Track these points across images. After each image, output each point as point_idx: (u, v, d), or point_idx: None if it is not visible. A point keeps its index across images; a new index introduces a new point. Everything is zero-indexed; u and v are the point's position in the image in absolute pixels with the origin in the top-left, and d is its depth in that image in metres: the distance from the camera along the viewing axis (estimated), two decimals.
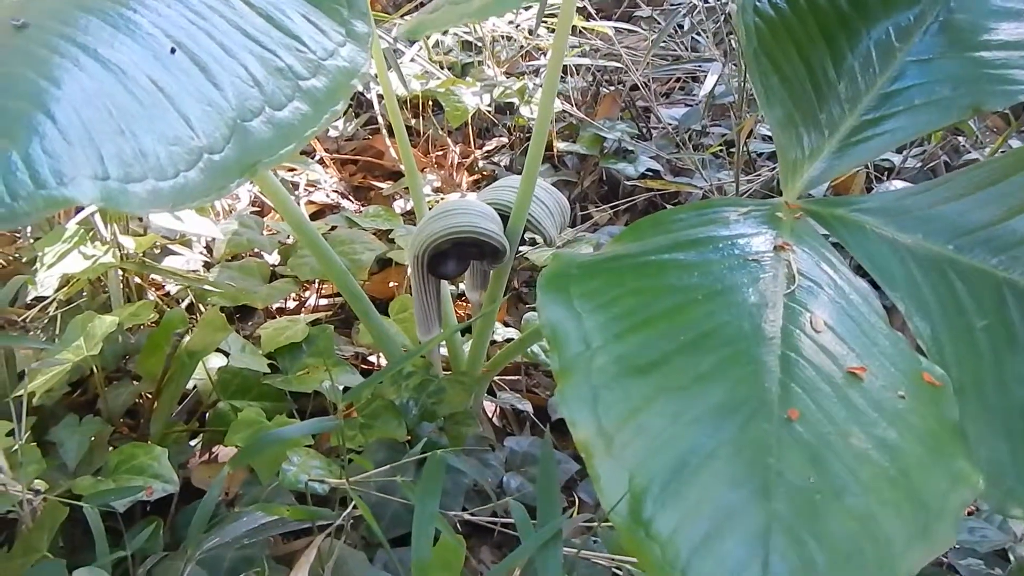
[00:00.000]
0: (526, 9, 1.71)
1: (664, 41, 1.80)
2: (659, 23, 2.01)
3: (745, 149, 1.37)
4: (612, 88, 1.74)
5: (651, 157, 1.61)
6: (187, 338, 0.98)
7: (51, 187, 0.38)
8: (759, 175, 1.51)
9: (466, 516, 0.77)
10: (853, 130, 0.68)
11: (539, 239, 1.02)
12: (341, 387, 1.01)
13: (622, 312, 0.59)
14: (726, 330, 0.55)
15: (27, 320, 1.03)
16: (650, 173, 1.60)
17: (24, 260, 1.17)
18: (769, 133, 1.63)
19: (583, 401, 0.53)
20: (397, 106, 1.11)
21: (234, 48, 0.55)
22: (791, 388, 0.51)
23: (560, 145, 1.60)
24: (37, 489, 0.83)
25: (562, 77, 1.73)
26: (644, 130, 1.72)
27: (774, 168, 1.54)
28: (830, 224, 0.65)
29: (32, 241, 1.16)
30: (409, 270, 0.95)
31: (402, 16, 1.61)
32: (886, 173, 1.38)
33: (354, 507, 0.78)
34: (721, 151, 1.63)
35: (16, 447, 0.81)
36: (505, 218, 0.97)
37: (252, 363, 0.96)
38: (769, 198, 0.92)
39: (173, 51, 0.51)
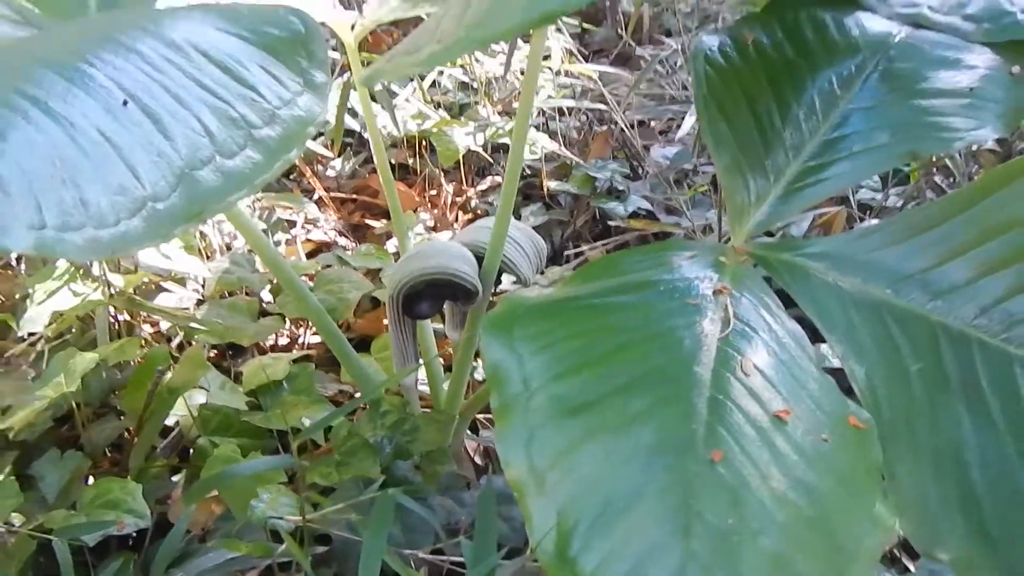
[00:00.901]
0: (517, 49, 1.74)
1: (656, 80, 1.83)
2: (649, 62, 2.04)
3: None
4: (604, 128, 1.77)
5: (643, 196, 1.63)
6: (169, 375, 1.00)
7: None
8: None
9: (420, 554, 0.78)
10: (797, 176, 0.70)
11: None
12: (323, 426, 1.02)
13: (563, 353, 0.60)
14: (661, 373, 0.57)
15: (15, 355, 1.06)
16: (642, 212, 1.62)
17: (19, 296, 1.20)
18: None
19: (518, 441, 0.54)
20: (383, 147, 1.14)
21: (188, 99, 0.57)
22: (717, 430, 0.52)
23: (552, 184, 1.62)
24: (11, 523, 0.85)
25: (555, 117, 1.76)
26: (638, 170, 1.75)
27: None
28: (775, 268, 0.66)
29: (27, 277, 1.20)
30: (387, 309, 0.97)
31: None
32: (868, 212, 1.39)
33: (319, 544, 0.79)
34: (708, 191, 1.64)
35: None
36: (481, 259, 0.99)
37: (231, 400, 0.98)
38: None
39: (125, 103, 0.54)
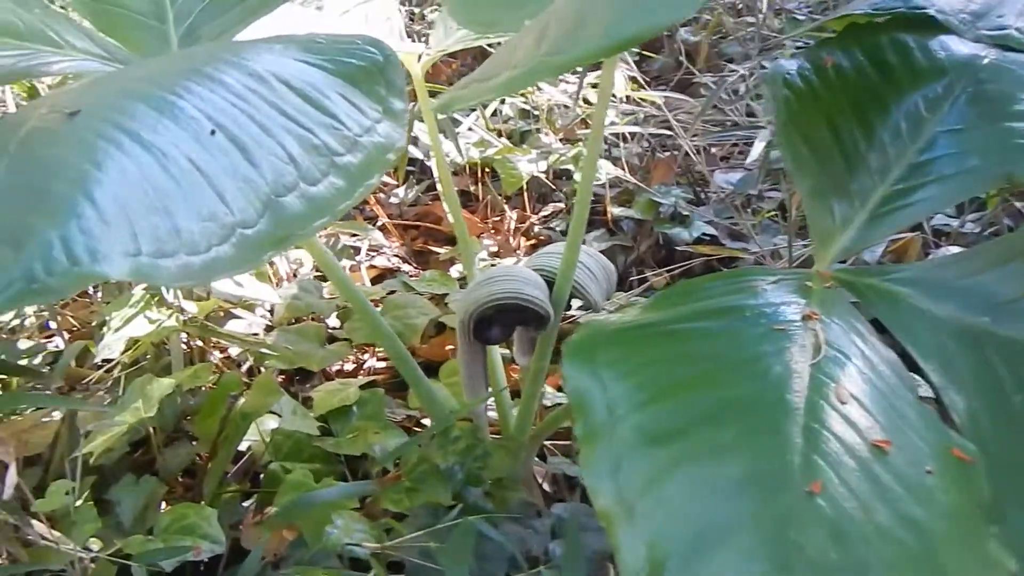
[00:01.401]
0: (580, 77, 1.74)
1: (720, 107, 1.81)
2: (714, 88, 2.03)
3: (799, 214, 1.36)
4: (667, 154, 1.75)
5: (707, 222, 1.61)
6: (241, 400, 1.01)
7: (84, 264, 0.41)
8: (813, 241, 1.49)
9: None
10: (884, 200, 0.68)
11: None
12: (402, 453, 1.02)
13: (647, 380, 0.59)
14: (750, 400, 0.55)
15: (92, 382, 1.08)
16: (706, 238, 1.60)
17: (95, 324, 1.23)
18: None
19: (605, 469, 0.53)
20: (448, 174, 1.14)
21: (272, 128, 0.58)
22: (814, 460, 0.50)
23: (615, 210, 1.61)
24: (89, 548, 0.86)
25: (617, 143, 1.75)
26: (701, 195, 1.73)
27: None
28: (863, 294, 0.64)
29: (104, 305, 1.22)
30: (457, 335, 0.96)
31: None
32: (944, 238, 1.35)
33: (392, 572, 0.78)
34: (776, 216, 1.61)
35: (72, 506, 0.84)
36: (551, 284, 0.98)
37: (302, 425, 0.99)
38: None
39: (213, 133, 0.54)
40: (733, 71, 1.77)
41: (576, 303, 1.37)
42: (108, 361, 1.12)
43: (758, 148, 1.45)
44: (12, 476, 0.57)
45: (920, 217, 0.71)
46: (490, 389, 1.06)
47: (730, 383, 0.58)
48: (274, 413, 1.04)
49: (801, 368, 0.57)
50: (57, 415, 1.05)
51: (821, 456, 0.50)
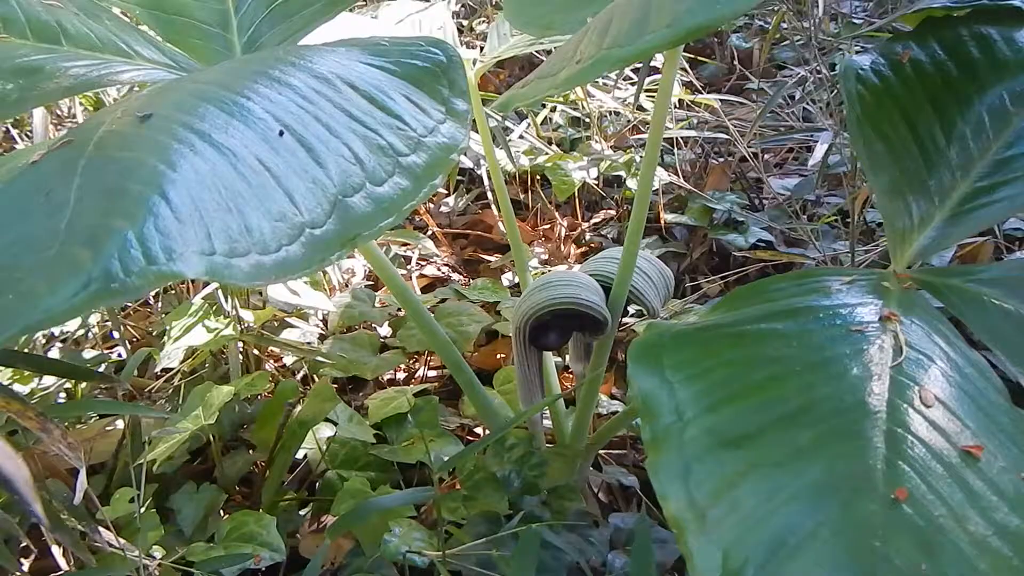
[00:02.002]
0: (632, 84, 1.73)
1: (775, 112, 1.78)
2: (769, 95, 2.00)
3: (861, 219, 1.33)
4: (721, 159, 1.73)
5: (763, 228, 1.58)
6: (298, 408, 1.01)
7: (161, 263, 0.40)
8: (877, 245, 1.45)
9: None
10: (965, 197, 0.65)
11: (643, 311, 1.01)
12: (445, 457, 1.02)
13: (716, 383, 0.57)
14: (826, 403, 0.53)
15: (153, 390, 1.09)
16: (762, 244, 1.57)
17: (155, 333, 1.25)
18: None
19: (674, 474, 0.52)
20: (503, 181, 1.14)
21: (338, 128, 0.58)
22: (898, 466, 0.48)
23: (668, 216, 1.59)
24: (153, 555, 0.87)
25: (670, 149, 1.73)
26: (756, 201, 1.70)
27: None
28: (944, 295, 0.62)
29: (163, 315, 1.24)
30: (512, 341, 0.96)
31: None
32: (1017, 243, 1.31)
33: None
34: (836, 221, 1.58)
35: (137, 513, 0.85)
36: (608, 289, 0.97)
37: (359, 433, 0.99)
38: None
39: (281, 133, 0.54)
40: (788, 76, 1.74)
41: (631, 309, 1.35)
42: (168, 370, 1.14)
43: (820, 151, 1.42)
44: (83, 481, 0.57)
45: (1003, 216, 0.69)
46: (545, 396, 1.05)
47: (805, 385, 0.56)
48: (330, 421, 1.04)
49: (881, 370, 0.55)
50: (120, 424, 1.06)
51: (906, 461, 0.48)
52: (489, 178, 1.77)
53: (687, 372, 0.59)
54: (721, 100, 1.78)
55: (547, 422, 1.18)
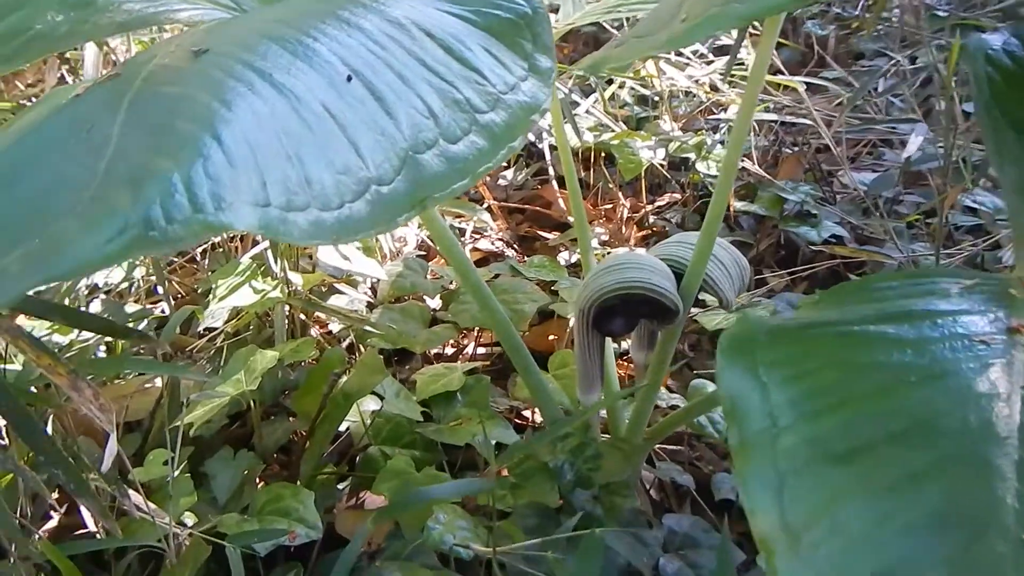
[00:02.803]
0: (707, 63, 1.64)
1: (858, 103, 1.69)
2: (848, 83, 1.90)
3: (945, 221, 1.24)
4: (796, 148, 1.64)
5: (835, 222, 1.49)
6: (344, 379, 0.96)
7: (208, 212, 0.35)
8: (960, 250, 1.36)
9: None
10: None
11: (712, 301, 0.94)
12: (493, 442, 0.96)
13: (817, 387, 0.51)
14: (946, 422, 0.46)
15: (195, 350, 1.05)
16: (834, 239, 1.49)
17: (200, 291, 1.21)
18: (974, 205, 1.49)
19: (766, 487, 0.45)
20: (570, 156, 1.07)
21: (411, 78, 0.52)
22: None
23: (737, 204, 1.52)
24: (184, 523, 0.83)
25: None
26: (829, 194, 1.61)
27: (976, 243, 1.39)
28: None
29: (209, 273, 1.20)
30: (573, 324, 0.89)
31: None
32: None
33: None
34: (916, 221, 1.49)
35: (170, 477, 0.81)
36: (679, 276, 0.90)
37: (406, 409, 0.93)
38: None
39: (349, 79, 0.49)
40: (868, 66, 1.64)
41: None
42: (211, 330, 1.10)
43: (913, 144, 1.33)
44: (112, 447, 0.53)
45: None
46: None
47: (922, 400, 0.49)
48: (376, 394, 1.00)
49: (1009, 390, 0.48)
50: (159, 382, 1.03)
51: None
52: (552, 151, 1.71)
53: (784, 373, 0.52)
54: (814, 81, 1.69)
55: (603, 411, 1.12)
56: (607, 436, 1.01)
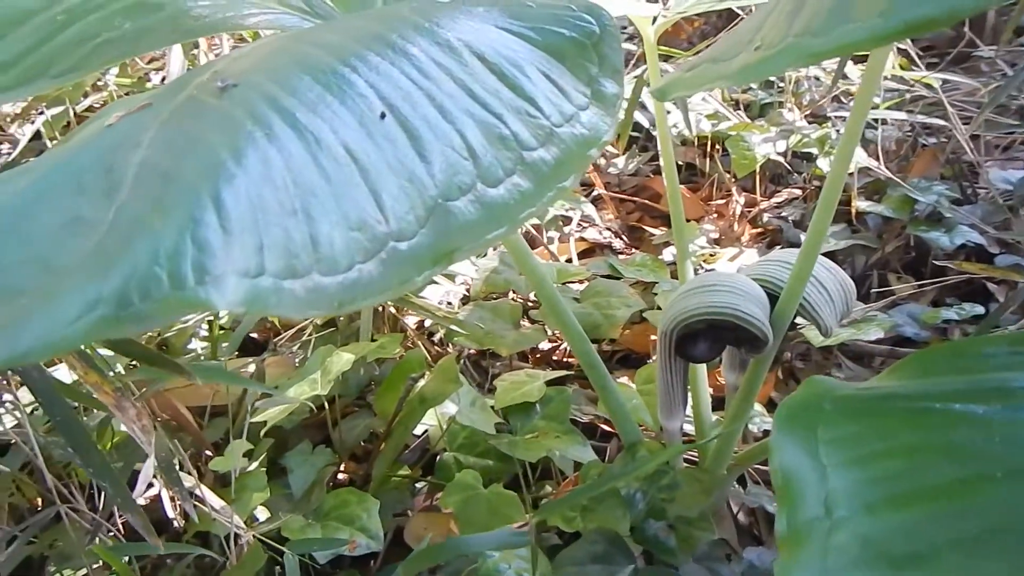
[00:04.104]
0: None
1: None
2: (1001, 66, 1.72)
3: None
4: (934, 142, 1.50)
5: (970, 226, 1.36)
6: (422, 383, 0.95)
7: (187, 287, 0.33)
8: None
9: None
10: None
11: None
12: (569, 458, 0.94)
13: (884, 475, 0.45)
14: None
15: (279, 343, 1.07)
16: (971, 245, 1.35)
17: None
18: None
19: None
20: (671, 153, 1.01)
21: (453, 111, 0.48)
22: None
23: (861, 204, 1.40)
24: (255, 518, 0.84)
25: (873, 125, 1.52)
26: (968, 192, 1.47)
27: None
28: None
29: None
30: (656, 345, 0.85)
31: (696, 54, 1.50)
32: None
33: None
34: None
35: (234, 474, 0.82)
36: (774, 299, 0.84)
37: (479, 421, 0.91)
38: None
39: (383, 116, 0.46)
40: None
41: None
42: (302, 320, 1.11)
43: None
44: (148, 470, 0.53)
45: None
46: (690, 405, 0.94)
47: (1006, 499, 0.42)
48: (453, 403, 0.98)
49: None
50: (252, 368, 1.05)
51: None
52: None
53: (847, 453, 0.46)
54: (943, 77, 1.54)
55: (688, 426, 1.07)
56: (691, 465, 0.96)
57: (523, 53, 0.54)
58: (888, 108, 1.47)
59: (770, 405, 1.21)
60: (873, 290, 1.38)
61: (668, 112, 1.62)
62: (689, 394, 0.95)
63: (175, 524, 0.85)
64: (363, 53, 0.49)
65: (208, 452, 0.95)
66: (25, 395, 0.66)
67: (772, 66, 0.47)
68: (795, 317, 0.85)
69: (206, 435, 0.96)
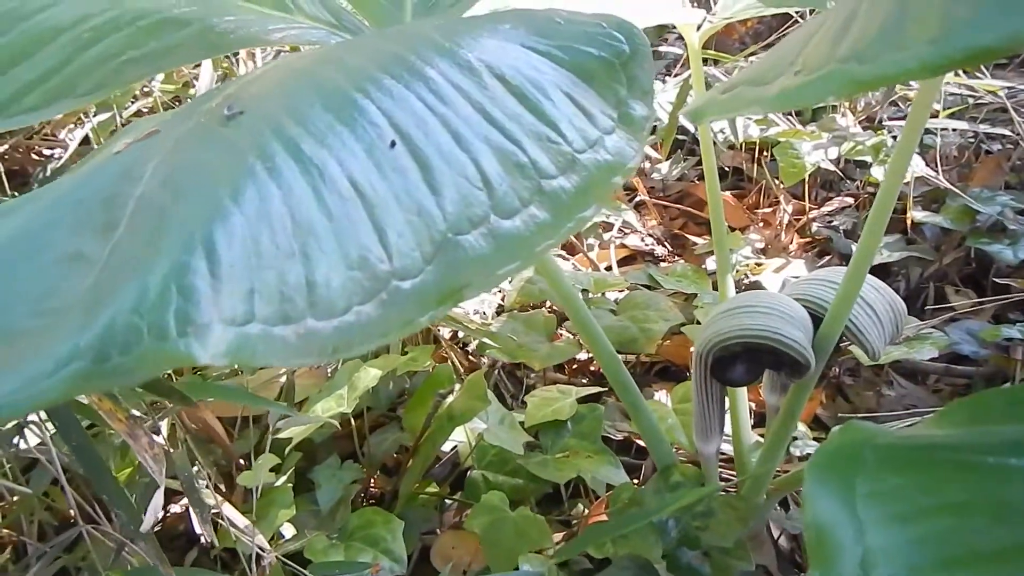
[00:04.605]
0: None
1: None
2: None
3: None
4: (998, 149, 1.43)
5: None
6: (450, 398, 0.93)
7: (168, 339, 0.31)
8: None
9: None
10: None
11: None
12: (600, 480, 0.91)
13: (929, 535, 0.41)
14: None
15: None
16: None
17: None
18: None
19: None
20: (712, 163, 0.98)
21: (469, 138, 0.46)
22: None
23: (918, 214, 1.35)
24: (283, 533, 0.83)
25: (933, 131, 1.46)
26: None
27: None
28: None
29: None
30: (691, 367, 0.81)
31: (747, 57, 1.46)
32: None
33: None
34: None
35: (269, 486, 0.81)
36: (818, 320, 0.80)
37: (507, 441, 0.89)
38: None
39: (393, 145, 0.44)
40: None
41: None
42: None
43: None
44: (158, 501, 0.52)
45: None
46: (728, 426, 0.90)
47: None
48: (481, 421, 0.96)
49: None
50: (285, 378, 1.04)
51: None
52: (715, 145, 1.59)
53: (888, 509, 0.43)
54: (1008, 86, 1.46)
55: (727, 447, 1.03)
56: (730, 472, 0.93)
57: (548, 74, 0.52)
58: (949, 115, 1.40)
59: (816, 423, 1.17)
60: (929, 306, 1.32)
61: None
62: (727, 413, 0.92)
63: (203, 539, 0.84)
64: (378, 77, 0.47)
65: (241, 463, 0.95)
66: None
67: (812, 94, 0.43)
68: (841, 340, 0.81)
69: (237, 447, 0.95)
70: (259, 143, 0.41)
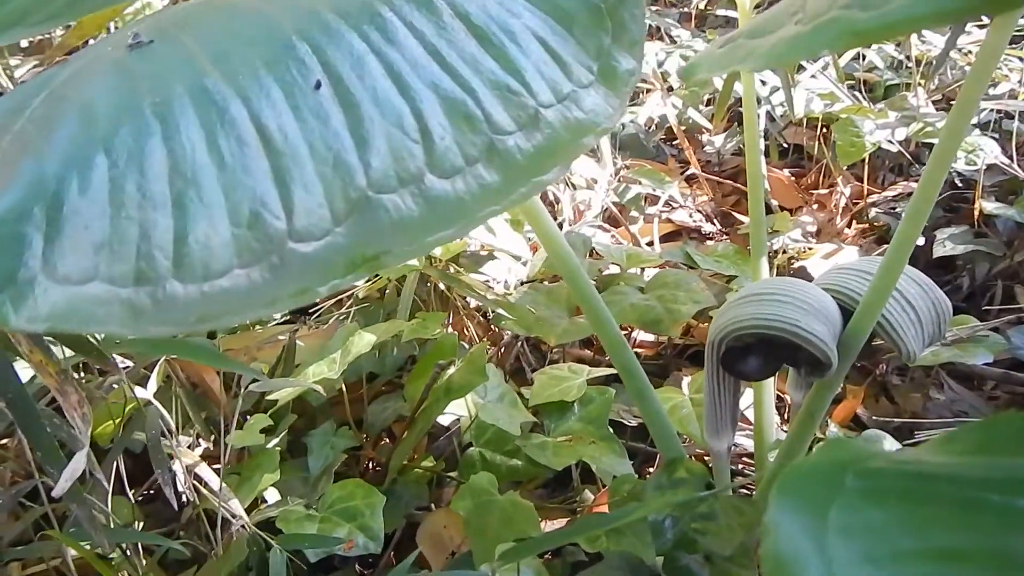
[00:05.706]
0: (981, 27, 1.34)
1: None
2: None
3: None
4: None
5: None
6: (451, 370, 0.88)
7: None
8: None
9: None
10: None
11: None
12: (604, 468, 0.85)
13: None
14: None
15: (315, 314, 1.02)
16: None
17: None
18: None
19: None
20: (755, 138, 0.89)
21: (413, 84, 0.40)
22: None
23: (988, 205, 1.23)
24: (264, 499, 0.80)
25: (1011, 115, 1.33)
26: None
27: None
28: None
29: None
30: (704, 356, 0.75)
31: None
32: None
33: None
34: None
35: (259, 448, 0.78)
36: (849, 314, 0.72)
37: (503, 420, 0.84)
38: None
39: (318, 86, 0.38)
40: None
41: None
42: (343, 292, 1.06)
43: None
44: (78, 463, 0.48)
45: None
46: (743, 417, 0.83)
47: None
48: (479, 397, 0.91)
49: None
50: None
51: None
52: (771, 121, 1.49)
53: (864, 548, 0.36)
54: None
55: (748, 441, 0.96)
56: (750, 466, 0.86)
57: (521, 16, 0.45)
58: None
59: (856, 423, 1.09)
60: (995, 305, 1.22)
61: (777, 89, 1.48)
62: (751, 407, 0.85)
63: (184, 498, 0.82)
64: (320, 11, 0.42)
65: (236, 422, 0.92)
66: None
67: (805, 46, 0.36)
68: (873, 338, 0.73)
69: (238, 405, 0.92)
70: (157, 77, 0.36)
